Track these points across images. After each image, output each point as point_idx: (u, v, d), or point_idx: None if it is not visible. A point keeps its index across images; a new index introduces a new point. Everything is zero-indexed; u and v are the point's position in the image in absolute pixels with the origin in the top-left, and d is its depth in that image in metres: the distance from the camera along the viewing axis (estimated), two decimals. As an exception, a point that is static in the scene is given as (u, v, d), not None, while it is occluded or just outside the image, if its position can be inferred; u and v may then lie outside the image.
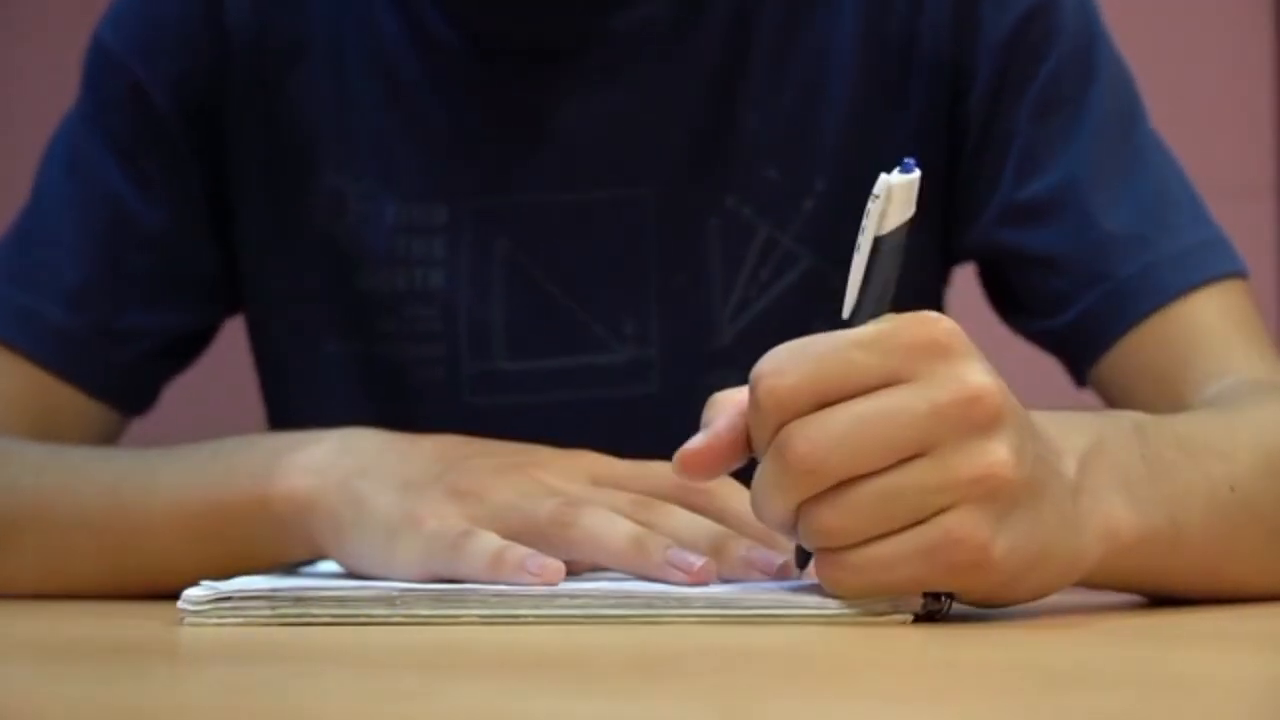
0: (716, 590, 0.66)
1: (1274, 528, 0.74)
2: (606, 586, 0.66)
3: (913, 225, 0.63)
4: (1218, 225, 0.96)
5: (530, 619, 0.65)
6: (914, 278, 0.98)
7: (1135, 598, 0.75)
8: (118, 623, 0.74)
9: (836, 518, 0.61)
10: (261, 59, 0.99)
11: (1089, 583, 0.69)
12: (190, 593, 0.67)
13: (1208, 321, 0.92)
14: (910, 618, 0.62)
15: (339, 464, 0.78)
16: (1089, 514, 0.65)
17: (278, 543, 0.79)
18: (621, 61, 0.96)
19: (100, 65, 1.01)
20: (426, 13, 0.98)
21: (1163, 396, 0.89)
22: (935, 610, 0.63)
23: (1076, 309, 0.94)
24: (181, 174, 1.00)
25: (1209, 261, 0.93)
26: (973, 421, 0.60)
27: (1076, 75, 0.96)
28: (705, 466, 0.65)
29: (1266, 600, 0.76)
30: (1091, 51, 0.97)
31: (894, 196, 0.63)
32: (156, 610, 0.76)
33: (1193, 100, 2.24)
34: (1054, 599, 0.68)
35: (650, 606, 0.64)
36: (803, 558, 0.66)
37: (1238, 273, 0.94)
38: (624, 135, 0.96)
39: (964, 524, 0.60)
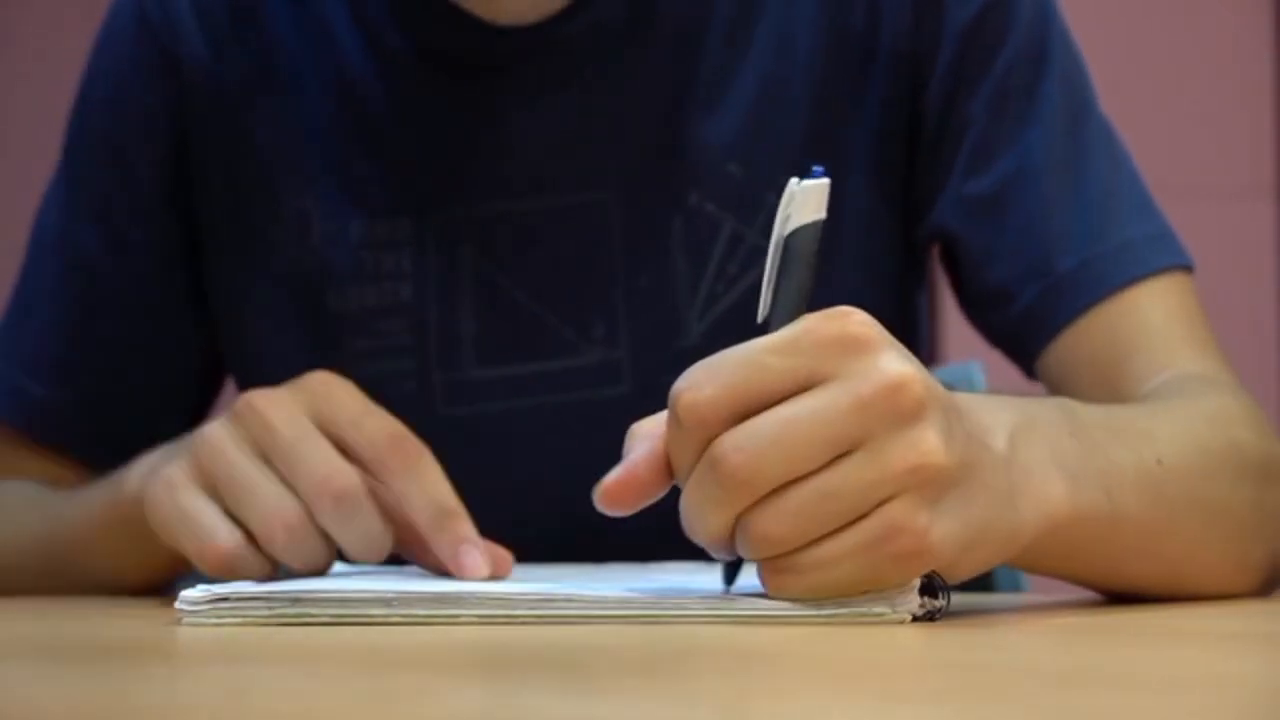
0: (714, 590, 0.66)
1: (1203, 508, 0.75)
2: (606, 591, 0.66)
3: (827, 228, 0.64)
4: (1163, 219, 0.96)
5: (528, 619, 0.65)
6: (879, 271, 0.99)
7: (1133, 598, 0.75)
8: (117, 623, 0.74)
9: (778, 524, 0.60)
10: (220, 92, 1.01)
11: (1029, 564, 0.69)
12: (187, 593, 0.67)
13: (1148, 316, 0.92)
14: (909, 617, 0.62)
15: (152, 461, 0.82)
16: (1023, 487, 0.65)
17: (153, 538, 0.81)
18: (575, 66, 0.97)
19: (76, 122, 1.04)
20: (383, 28, 0.99)
21: (1103, 391, 0.89)
22: (934, 610, 0.63)
23: (1019, 303, 0.94)
24: (157, 225, 1.02)
25: (1151, 255, 0.93)
26: (899, 411, 0.60)
27: (1030, 67, 0.96)
28: (625, 499, 0.64)
29: (1228, 597, 0.76)
30: (1045, 43, 0.97)
31: (798, 199, 0.63)
32: (155, 610, 0.76)
33: (1193, 100, 2.24)
34: (1050, 600, 0.68)
35: (649, 609, 0.64)
36: (730, 573, 0.66)
37: (1181, 266, 0.94)
38: (582, 139, 0.97)
39: (904, 514, 0.60)
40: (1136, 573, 0.73)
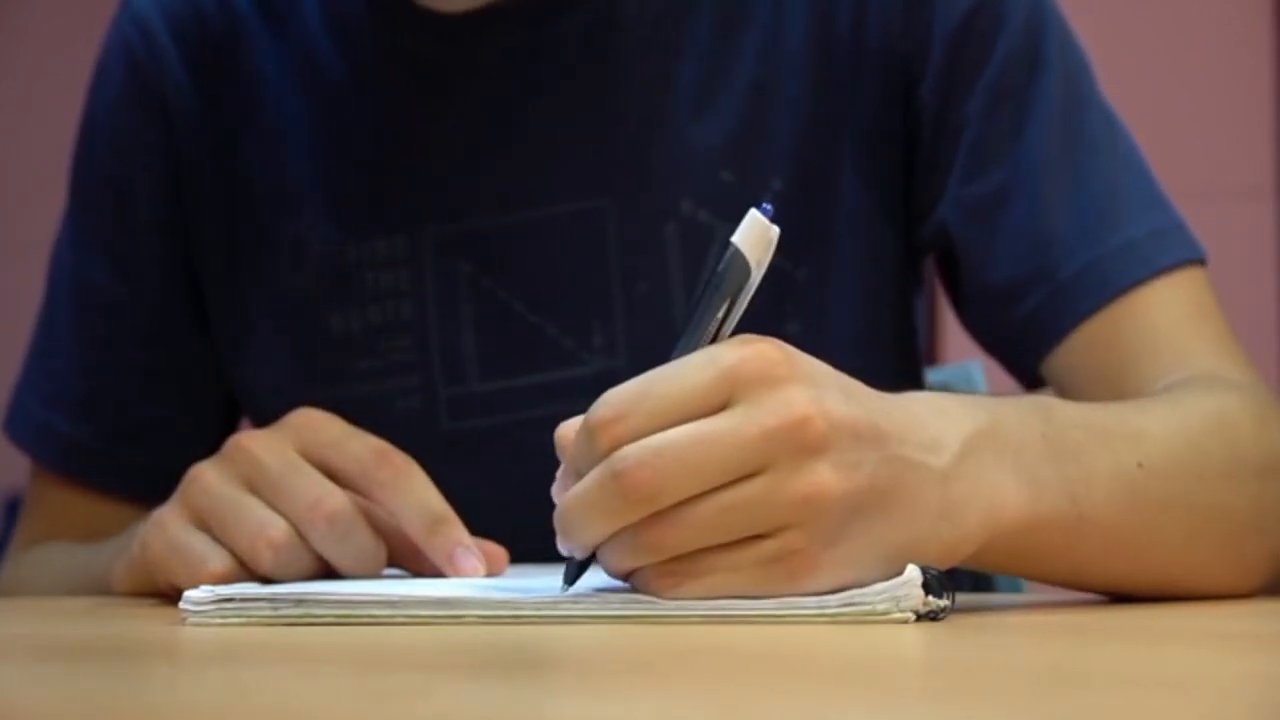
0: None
1: (1192, 509, 0.74)
2: (609, 591, 0.66)
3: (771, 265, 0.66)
4: (1172, 211, 0.94)
5: (532, 619, 0.65)
6: (875, 272, 0.98)
7: (1133, 598, 0.75)
8: (118, 623, 0.74)
9: (675, 533, 0.62)
10: (205, 128, 1.02)
11: (986, 567, 0.69)
12: (192, 594, 0.67)
13: (1155, 317, 0.90)
14: (911, 617, 0.63)
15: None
16: (968, 498, 0.65)
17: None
18: (561, 74, 0.96)
19: (78, 158, 1.06)
20: (366, 46, 0.99)
21: (1111, 397, 0.88)
22: (938, 609, 0.63)
23: (1022, 308, 0.93)
24: (161, 256, 1.03)
25: (1156, 253, 0.91)
26: (801, 444, 0.62)
27: (1025, 65, 0.95)
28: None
29: (1227, 596, 0.76)
30: (1041, 40, 0.96)
31: (751, 234, 0.65)
32: (157, 610, 0.76)
33: (1193, 100, 2.24)
34: (1050, 600, 0.67)
35: (651, 609, 0.64)
36: (574, 574, 0.67)
37: (1191, 260, 0.92)
38: (573, 148, 0.96)
39: (799, 541, 0.62)
40: (1113, 575, 0.73)
